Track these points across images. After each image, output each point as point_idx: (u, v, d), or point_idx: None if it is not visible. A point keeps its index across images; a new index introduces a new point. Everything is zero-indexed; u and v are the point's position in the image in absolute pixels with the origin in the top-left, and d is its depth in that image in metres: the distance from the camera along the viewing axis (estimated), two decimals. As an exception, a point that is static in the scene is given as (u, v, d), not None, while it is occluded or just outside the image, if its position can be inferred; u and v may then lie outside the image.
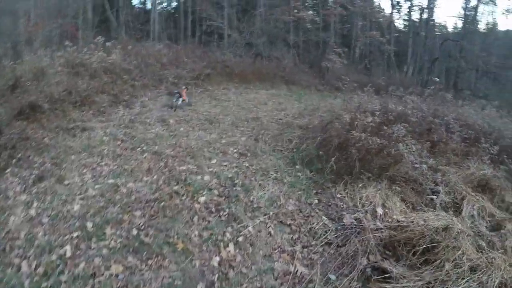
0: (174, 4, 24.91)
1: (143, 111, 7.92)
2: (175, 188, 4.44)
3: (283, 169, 5.37)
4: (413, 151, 5.19)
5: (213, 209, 4.06)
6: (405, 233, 3.59)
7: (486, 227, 4.22)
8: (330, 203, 4.52)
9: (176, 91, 8.96)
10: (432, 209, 4.43)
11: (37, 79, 7.09)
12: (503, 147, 6.20)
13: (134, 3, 24.76)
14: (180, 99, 8.64)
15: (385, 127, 5.37)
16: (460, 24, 25.74)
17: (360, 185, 4.80)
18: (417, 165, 4.99)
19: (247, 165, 5.41)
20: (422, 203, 4.66)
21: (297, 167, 5.48)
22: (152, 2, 21.14)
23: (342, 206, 4.44)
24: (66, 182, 4.46)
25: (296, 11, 19.88)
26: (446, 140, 6.31)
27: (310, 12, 21.32)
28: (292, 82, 15.39)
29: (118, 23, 19.04)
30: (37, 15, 12.32)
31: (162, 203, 4.07)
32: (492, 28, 25.53)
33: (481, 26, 25.38)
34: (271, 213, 4.08)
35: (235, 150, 5.98)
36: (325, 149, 5.61)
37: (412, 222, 3.78)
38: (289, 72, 16.36)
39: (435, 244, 3.35)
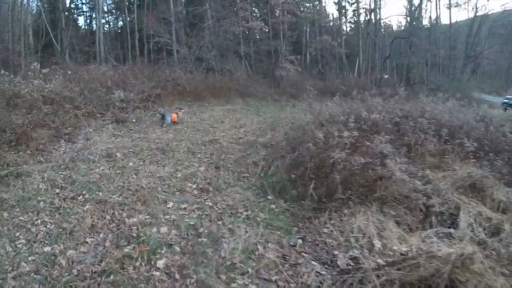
0: (120, 23, 24.05)
1: (87, 145, 6.97)
2: (126, 250, 3.47)
3: (254, 203, 4.58)
4: (399, 164, 4.61)
5: (177, 276, 3.11)
6: (417, 272, 2.93)
7: (485, 233, 3.82)
8: (317, 242, 3.77)
9: (162, 111, 9.20)
10: (429, 227, 3.93)
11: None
12: (477, 140, 5.86)
13: (80, 24, 23.74)
14: (169, 119, 8.88)
15: (367, 142, 4.75)
16: (403, 22, 26.59)
17: (346, 211, 4.13)
18: (408, 181, 4.42)
19: (210, 204, 4.57)
20: (417, 221, 4.13)
21: (269, 197, 4.71)
22: (97, 23, 20.12)
23: (332, 244, 3.72)
24: (-4, 252, 3.49)
25: (243, 22, 19.44)
26: (421, 142, 5.86)
27: (259, 22, 20.95)
28: (247, 94, 14.87)
29: (62, 47, 17.85)
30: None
31: (112, 276, 3.09)
32: (436, 23, 26.40)
33: (425, 22, 26.25)
34: (249, 269, 3.20)
35: (194, 186, 5.14)
36: (298, 172, 4.87)
37: (420, 254, 3.14)
38: (244, 85, 15.87)
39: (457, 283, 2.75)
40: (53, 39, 17.90)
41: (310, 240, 3.82)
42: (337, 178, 4.28)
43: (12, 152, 6.17)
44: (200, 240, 3.68)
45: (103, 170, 5.66)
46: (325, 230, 3.94)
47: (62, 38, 18.57)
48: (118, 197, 4.68)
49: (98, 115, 9.19)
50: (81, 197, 4.72)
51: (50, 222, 4.11)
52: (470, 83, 22.78)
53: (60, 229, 3.93)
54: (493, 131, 6.50)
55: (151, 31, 19.29)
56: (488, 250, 3.22)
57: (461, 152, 5.54)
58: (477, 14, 25.27)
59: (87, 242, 3.68)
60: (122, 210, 4.36)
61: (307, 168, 4.74)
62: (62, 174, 5.51)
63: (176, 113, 9.46)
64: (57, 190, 4.94)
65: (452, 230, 3.83)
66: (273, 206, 4.50)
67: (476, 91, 21.57)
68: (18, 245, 3.65)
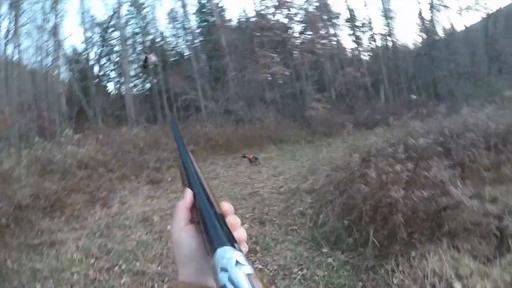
0: (148, 85, 24.90)
1: (123, 209, 6.73)
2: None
3: (308, 260, 4.03)
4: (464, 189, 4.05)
5: None
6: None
7: None
8: (388, 296, 3.20)
9: (255, 156, 10.63)
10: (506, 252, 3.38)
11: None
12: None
13: (109, 90, 24.75)
14: (258, 159, 10.44)
15: (424, 173, 4.23)
16: (419, 38, 26.08)
17: (414, 253, 3.54)
18: (478, 206, 3.86)
19: (260, 266, 4.03)
20: (492, 248, 3.53)
21: (323, 250, 4.17)
22: (125, 87, 20.86)
23: (406, 296, 3.13)
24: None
25: (265, 68, 19.59)
26: (474, 158, 5.26)
27: (280, 67, 21.07)
28: (279, 140, 14.60)
29: (94, 112, 18.48)
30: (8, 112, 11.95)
31: None
32: (451, 32, 25.65)
33: (440, 33, 25.60)
34: None
35: (239, 247, 4.65)
36: (351, 218, 4.38)
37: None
38: (274, 131, 15.62)
39: None
40: (86, 105, 18.58)
41: (379, 295, 3.25)
42: (400, 219, 3.74)
43: (47, 219, 6.03)
44: (253, 311, 3.17)
45: (139, 236, 5.32)
46: (395, 280, 3.34)
47: (94, 103, 19.23)
48: (157, 267, 4.27)
49: (133, 177, 9.06)
50: (117, 267, 4.37)
51: (84, 299, 3.76)
52: (499, 84, 21.46)
53: (95, 309, 3.56)
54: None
55: (177, 90, 19.74)
56: None
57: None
58: (490, 12, 24.22)
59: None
60: (163, 281, 3.93)
61: (361, 211, 4.23)
62: (97, 242, 5.24)
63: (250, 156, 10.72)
64: (92, 260, 4.64)
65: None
66: (330, 260, 3.96)
67: (508, 91, 20.27)
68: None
